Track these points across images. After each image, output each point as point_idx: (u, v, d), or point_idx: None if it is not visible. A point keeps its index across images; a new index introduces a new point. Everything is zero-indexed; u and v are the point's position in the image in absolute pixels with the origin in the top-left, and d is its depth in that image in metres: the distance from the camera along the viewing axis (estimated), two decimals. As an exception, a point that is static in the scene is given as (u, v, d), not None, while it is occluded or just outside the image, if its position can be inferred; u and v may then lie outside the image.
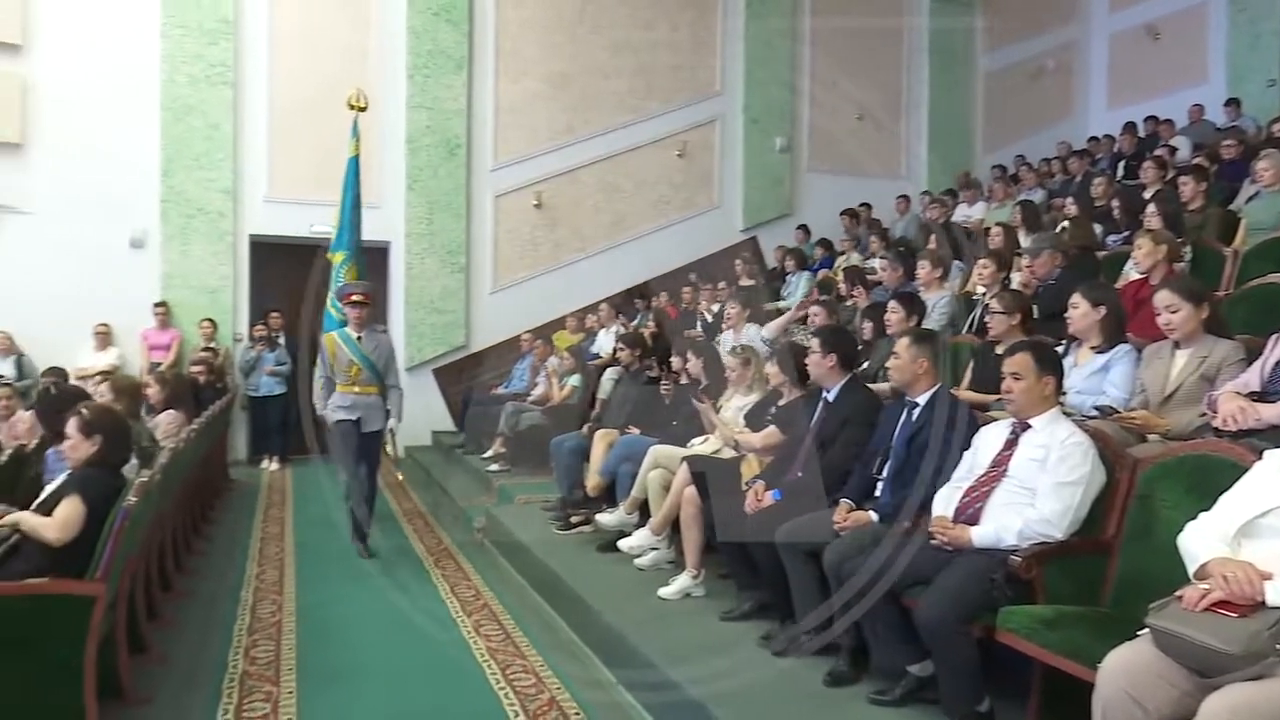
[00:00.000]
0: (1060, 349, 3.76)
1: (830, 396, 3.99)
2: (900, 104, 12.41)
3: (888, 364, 3.70)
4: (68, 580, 3.07)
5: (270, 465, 9.30)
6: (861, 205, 10.94)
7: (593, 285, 10.48)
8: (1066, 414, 3.22)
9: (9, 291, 8.64)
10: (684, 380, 5.76)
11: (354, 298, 5.84)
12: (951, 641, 2.74)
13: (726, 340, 6.55)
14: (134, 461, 4.16)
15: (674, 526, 4.54)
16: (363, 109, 7.20)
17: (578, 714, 3.48)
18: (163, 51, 9.27)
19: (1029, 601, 2.73)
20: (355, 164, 7.19)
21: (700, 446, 4.86)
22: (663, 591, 4.27)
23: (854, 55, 11.97)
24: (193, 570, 5.47)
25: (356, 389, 5.72)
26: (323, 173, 8.52)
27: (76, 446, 3.39)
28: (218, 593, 5.04)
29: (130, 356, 9.15)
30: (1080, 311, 3.72)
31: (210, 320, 9.31)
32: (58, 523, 3.16)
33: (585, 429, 6.18)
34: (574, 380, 7.91)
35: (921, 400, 3.48)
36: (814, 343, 4.06)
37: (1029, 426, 3.03)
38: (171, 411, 5.65)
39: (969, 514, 2.97)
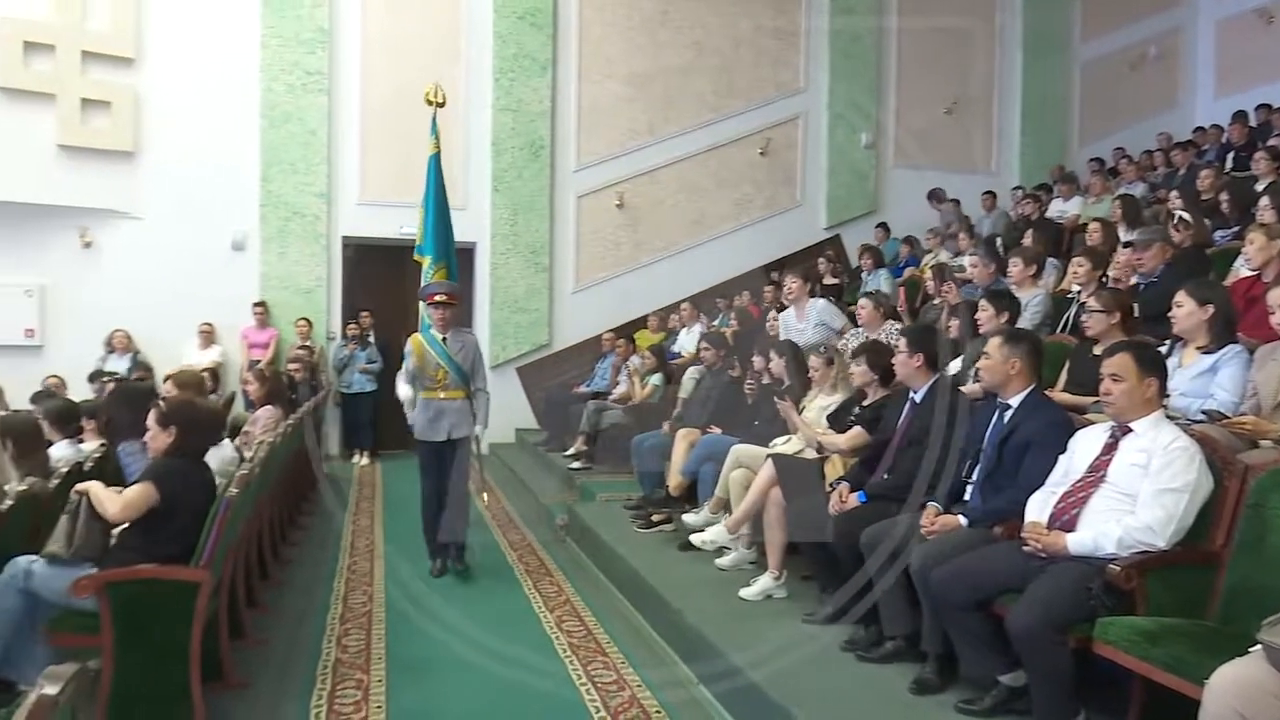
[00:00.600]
0: (1163, 349, 3.61)
1: (917, 397, 3.90)
2: (992, 95, 12.05)
3: (978, 364, 3.60)
4: (175, 567, 3.24)
5: (361, 460, 9.59)
6: (951, 200, 10.67)
7: (674, 285, 10.48)
8: (1171, 418, 3.08)
9: (123, 292, 9.13)
10: (766, 380, 5.72)
11: (436, 298, 5.39)
12: (1045, 651, 2.65)
13: (788, 320, 6.40)
14: (232, 453, 4.36)
15: (756, 527, 4.51)
16: (441, 104, 6.72)
17: (658, 712, 3.49)
18: (262, 61, 9.66)
19: (1129, 613, 2.63)
20: (436, 162, 6.70)
21: (783, 447, 4.82)
22: (744, 592, 4.24)
23: (943, 46, 11.69)
24: (288, 560, 5.69)
25: (442, 394, 5.33)
26: (411, 175, 8.73)
27: (155, 437, 3.51)
28: (312, 582, 5.23)
29: (231, 354, 9.57)
30: (1186, 310, 3.56)
31: (306, 319, 9.66)
32: (123, 501, 3.27)
33: (666, 427, 6.19)
34: (655, 379, 7.94)
35: (1014, 402, 3.37)
36: (901, 342, 3.97)
37: (1130, 430, 2.90)
38: (270, 407, 5.87)
39: (1064, 520, 2.87)
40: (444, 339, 5.37)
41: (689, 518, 5.06)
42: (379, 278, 10.12)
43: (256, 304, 9.62)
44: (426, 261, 6.55)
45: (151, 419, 3.55)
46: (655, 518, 5.66)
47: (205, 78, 9.47)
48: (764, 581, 4.25)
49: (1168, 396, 3.23)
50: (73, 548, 3.23)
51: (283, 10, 9.64)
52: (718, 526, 4.62)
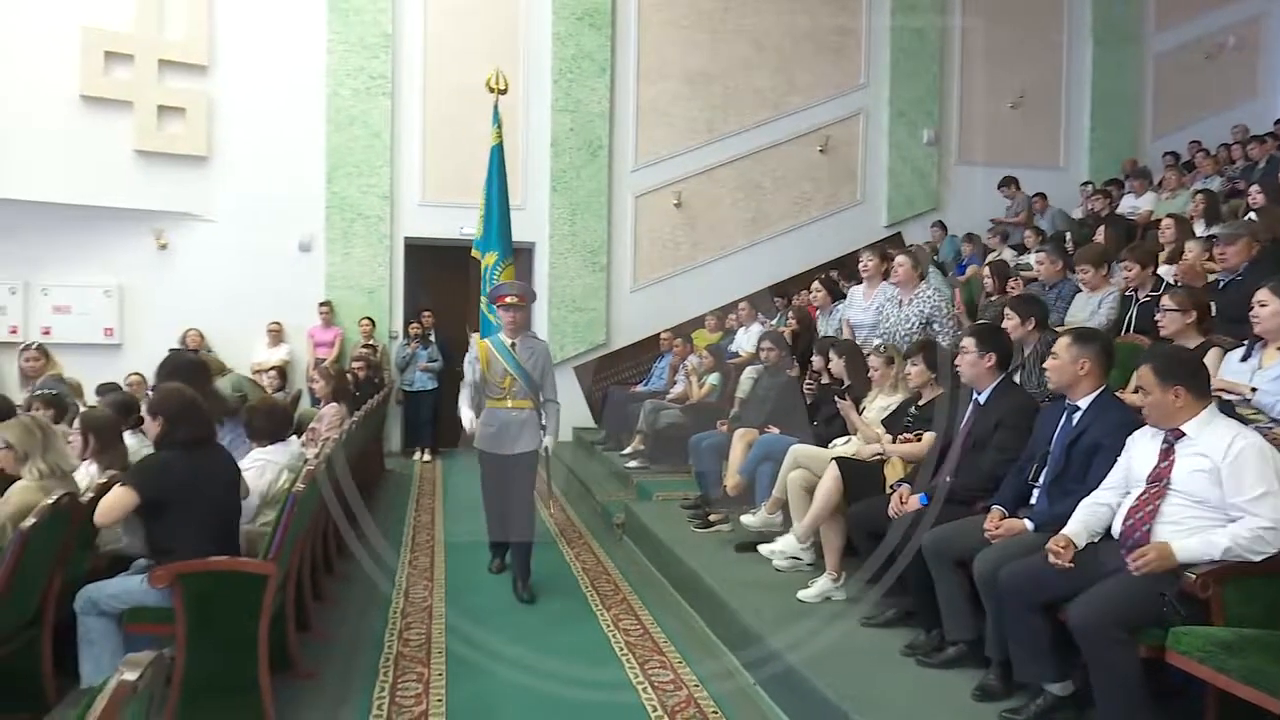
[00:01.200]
0: (1240, 350, 3.48)
1: (981, 398, 3.82)
2: (1060, 88, 11.75)
3: (1045, 365, 3.50)
4: (244, 559, 3.33)
5: (422, 456, 9.76)
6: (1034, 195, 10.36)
7: (731, 284, 10.44)
8: (1241, 415, 2.97)
9: (196, 292, 9.44)
10: (825, 380, 5.65)
11: (508, 300, 5.04)
12: (1107, 648, 2.56)
13: (855, 296, 6.18)
14: (298, 449, 4.45)
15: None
16: (503, 91, 6.40)
17: (715, 713, 3.48)
18: (328, 66, 9.89)
19: (1203, 623, 2.54)
20: (498, 154, 6.31)
21: (843, 448, 4.76)
22: (802, 594, 4.20)
23: (1009, 39, 11.42)
24: (352, 554, 5.80)
25: (509, 403, 4.99)
26: (471, 176, 8.86)
27: (149, 428, 3.52)
28: (375, 576, 5.33)
29: (298, 353, 9.82)
30: (1270, 310, 3.41)
31: (369, 318, 9.87)
32: (103, 505, 3.27)
33: (722, 426, 6.16)
34: (713, 379, 7.92)
35: (1083, 404, 3.27)
36: (969, 342, 3.87)
37: (1183, 434, 2.81)
38: (335, 404, 6.01)
39: (1138, 536, 2.77)
40: (513, 344, 5.03)
41: (747, 519, 5.03)
42: (440, 278, 10.28)
43: (322, 304, 9.85)
44: (491, 259, 6.22)
45: (145, 409, 3.55)
46: (712, 517, 5.65)
47: (274, 83, 9.74)
48: (822, 583, 4.21)
49: (1216, 396, 3.09)
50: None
51: (347, 16, 9.86)
52: (788, 537, 4.51)
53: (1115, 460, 3.05)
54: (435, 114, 10.07)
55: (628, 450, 8.10)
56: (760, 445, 5.29)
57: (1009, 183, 10.44)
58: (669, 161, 10.73)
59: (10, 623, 3.11)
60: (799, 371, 6.26)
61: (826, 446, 4.81)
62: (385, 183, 10.03)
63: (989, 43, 11.40)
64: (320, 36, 9.86)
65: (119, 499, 3.24)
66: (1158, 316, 4.09)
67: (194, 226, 9.65)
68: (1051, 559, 2.79)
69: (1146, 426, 2.99)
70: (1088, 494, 3.06)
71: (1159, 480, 2.80)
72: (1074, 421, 3.27)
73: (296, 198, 9.79)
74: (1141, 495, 2.83)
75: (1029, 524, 3.18)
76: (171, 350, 6.71)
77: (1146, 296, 4.87)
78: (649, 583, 5.30)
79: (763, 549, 4.70)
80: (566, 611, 4.77)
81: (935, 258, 9.66)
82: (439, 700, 3.57)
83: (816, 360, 5.64)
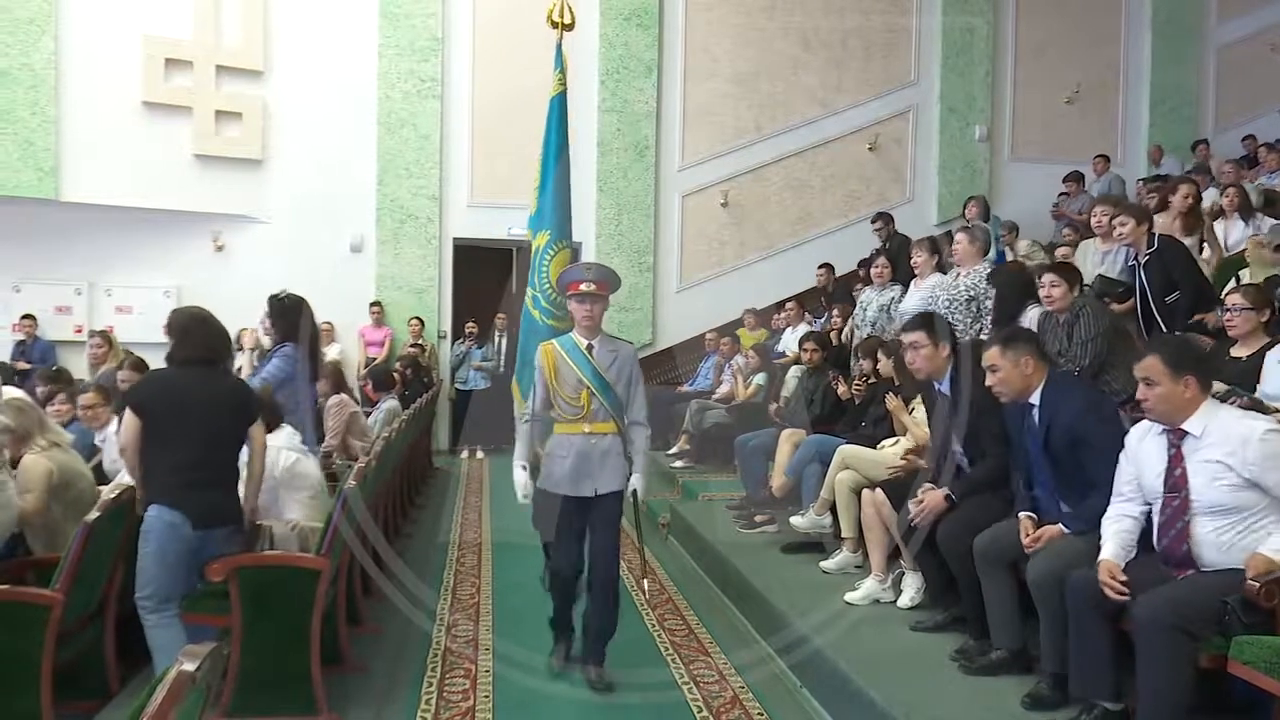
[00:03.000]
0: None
1: (944, 388, 3.74)
2: (1117, 83, 11.47)
3: (987, 383, 3.34)
4: (296, 555, 3.40)
5: (474, 455, 9.87)
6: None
7: (778, 283, 10.37)
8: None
9: (251, 293, 9.60)
10: (873, 380, 5.58)
11: (582, 287, 3.71)
12: (1166, 651, 2.48)
13: (868, 296, 5.98)
14: (291, 431, 4.16)
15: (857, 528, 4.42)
16: (568, 27, 5.14)
17: (760, 714, 3.46)
18: (379, 70, 10.05)
19: (1268, 632, 2.46)
20: (559, 107, 4.96)
21: (892, 448, 4.70)
22: (849, 596, 4.16)
23: (1064, 31, 11.20)
24: (401, 550, 5.89)
25: (586, 428, 3.69)
26: (520, 177, 8.92)
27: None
28: (424, 572, 5.40)
29: (349, 352, 9.98)
30: None
31: (418, 318, 10.00)
32: (120, 440, 3.37)
33: (773, 410, 6.05)
34: (759, 379, 7.88)
35: (1035, 399, 3.21)
36: (918, 336, 3.78)
37: (1186, 434, 2.71)
38: (338, 396, 6.13)
39: (1179, 557, 2.70)
40: (589, 347, 3.74)
41: (796, 520, 4.99)
42: (488, 278, 10.40)
43: (373, 304, 10.01)
44: (544, 239, 4.80)
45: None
46: (758, 518, 5.62)
47: (327, 87, 9.94)
48: (869, 585, 4.16)
49: (1215, 391, 2.98)
50: None
51: (398, 20, 10.01)
52: (869, 582, 4.24)
53: (1103, 449, 2.99)
54: (484, 116, 10.18)
55: (674, 450, 8.10)
56: (807, 446, 5.25)
57: (1076, 178, 10.05)
58: (716, 161, 10.71)
59: (75, 614, 3.21)
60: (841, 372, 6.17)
61: (876, 447, 4.76)
62: (435, 184, 10.16)
63: (1043, 36, 11.18)
64: (372, 41, 10.03)
65: (126, 421, 3.32)
66: (1225, 315, 3.94)
67: (249, 228, 9.88)
68: (1112, 595, 2.68)
69: (1142, 423, 2.89)
70: (1093, 486, 3.00)
71: (1177, 491, 2.71)
72: (1036, 420, 3.21)
73: (348, 199, 9.98)
74: (1164, 510, 2.74)
75: (1065, 529, 3.10)
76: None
77: (1145, 255, 4.71)
78: (694, 583, 5.29)
79: (824, 565, 4.65)
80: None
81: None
82: (486, 696, 3.60)
83: (865, 363, 5.56)
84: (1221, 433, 2.65)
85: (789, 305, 9.24)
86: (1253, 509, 2.60)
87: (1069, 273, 4.42)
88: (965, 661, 3.36)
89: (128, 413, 3.32)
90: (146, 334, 9.49)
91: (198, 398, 3.34)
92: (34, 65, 9.08)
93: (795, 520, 4.98)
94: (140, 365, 5.07)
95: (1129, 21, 11.46)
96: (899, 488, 4.03)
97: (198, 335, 3.46)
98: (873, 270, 6.84)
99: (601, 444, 3.71)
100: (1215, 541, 2.63)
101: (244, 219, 9.85)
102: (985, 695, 3.13)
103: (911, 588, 4.08)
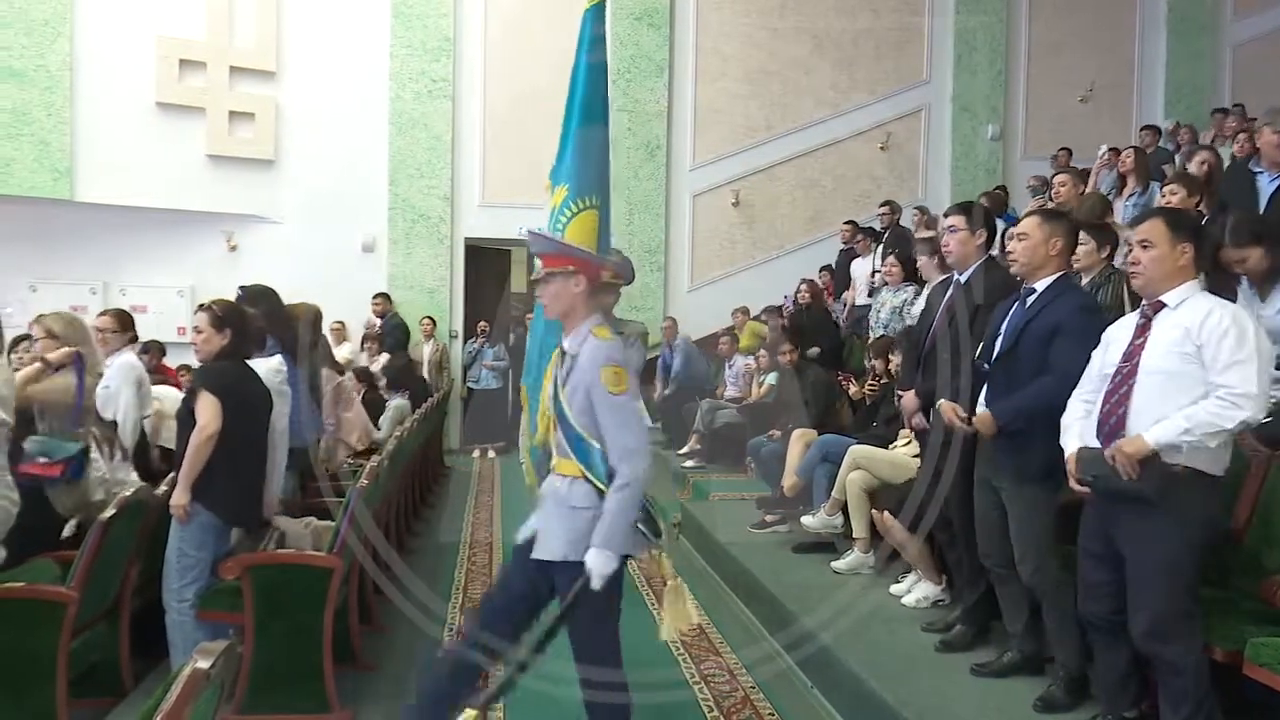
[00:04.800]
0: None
1: (963, 278, 3.62)
2: (1132, 81, 11.39)
3: (1009, 248, 3.24)
4: (309, 553, 3.42)
5: (488, 453, 9.89)
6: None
7: (789, 282, 10.33)
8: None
9: (263, 292, 9.68)
10: (885, 379, 5.56)
11: (535, 264, 2.74)
12: (1181, 642, 2.47)
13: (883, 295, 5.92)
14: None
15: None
16: None
17: (771, 714, 3.46)
18: (391, 70, 10.08)
19: (1284, 634, 2.44)
20: (594, 20, 3.72)
21: (904, 448, 4.69)
22: (835, 564, 4.17)
23: (1078, 29, 11.12)
24: (412, 549, 5.90)
25: (552, 462, 2.78)
26: (530, 177, 8.92)
27: (209, 340, 3.46)
28: (436, 570, 5.41)
29: (360, 352, 9.99)
30: None
31: (430, 318, 10.02)
32: (200, 424, 3.30)
33: (772, 434, 6.10)
34: (770, 379, 7.85)
35: (1041, 286, 3.09)
36: (958, 219, 3.63)
37: (1162, 305, 2.60)
38: (401, 401, 6.14)
39: (1110, 427, 2.58)
40: (560, 348, 2.72)
41: (808, 520, 4.98)
42: (498, 277, 10.42)
43: (376, 296, 9.95)
44: (561, 195, 3.54)
45: (204, 321, 3.46)
46: (769, 518, 5.61)
47: (339, 88, 9.97)
48: (855, 557, 4.15)
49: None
50: None
51: (410, 21, 10.03)
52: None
53: (1077, 346, 2.85)
54: (495, 116, 10.19)
55: (685, 450, 8.09)
56: (818, 446, 5.23)
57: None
58: (727, 160, 10.70)
59: (90, 612, 3.23)
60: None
61: (887, 447, 4.74)
62: (446, 184, 10.18)
63: (1056, 34, 11.12)
64: (383, 41, 10.06)
65: (210, 407, 3.31)
66: None
67: (261, 228, 9.92)
68: (1124, 471, 2.49)
69: (1124, 318, 2.80)
70: (1055, 381, 2.87)
71: (1130, 359, 2.60)
72: (1028, 303, 3.09)
73: (360, 199, 10.01)
74: (1115, 380, 2.63)
75: (988, 412, 3.06)
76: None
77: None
78: (705, 582, 5.28)
79: (836, 565, 4.64)
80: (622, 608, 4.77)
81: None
82: (497, 695, 3.60)
83: (877, 363, 5.55)
84: (1192, 308, 2.54)
85: (860, 237, 9.02)
86: (1189, 386, 2.48)
87: (1101, 233, 4.07)
88: (976, 664, 3.33)
89: (211, 398, 3.31)
90: (160, 333, 9.56)
91: (264, 405, 3.50)
92: (49, 67, 9.14)
93: (806, 520, 4.96)
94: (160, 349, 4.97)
95: (1143, 19, 11.39)
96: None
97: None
98: (883, 270, 6.85)
99: (560, 490, 2.67)
100: (1152, 411, 2.50)
101: (256, 219, 9.89)
102: (999, 695, 3.12)
103: (920, 591, 4.07)
